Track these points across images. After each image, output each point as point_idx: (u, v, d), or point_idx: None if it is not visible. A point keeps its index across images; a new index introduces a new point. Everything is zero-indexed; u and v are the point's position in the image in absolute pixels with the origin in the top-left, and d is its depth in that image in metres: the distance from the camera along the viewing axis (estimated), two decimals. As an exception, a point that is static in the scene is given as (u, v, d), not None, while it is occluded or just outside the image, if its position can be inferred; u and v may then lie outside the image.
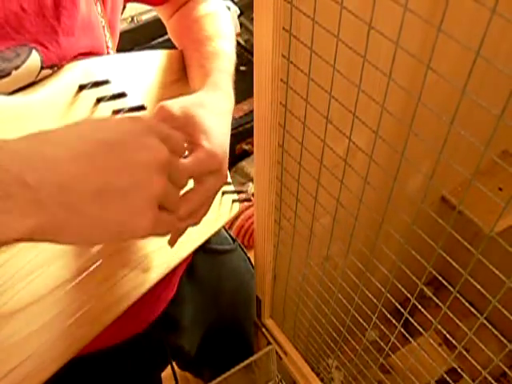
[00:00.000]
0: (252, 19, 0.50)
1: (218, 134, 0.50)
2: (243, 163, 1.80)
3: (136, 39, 1.86)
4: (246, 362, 0.76)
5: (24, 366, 0.47)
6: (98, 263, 0.52)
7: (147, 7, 1.87)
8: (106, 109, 0.53)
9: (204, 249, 0.75)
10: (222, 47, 0.62)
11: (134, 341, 0.68)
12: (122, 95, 0.54)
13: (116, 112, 0.54)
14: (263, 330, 0.79)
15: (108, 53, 0.59)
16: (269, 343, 0.78)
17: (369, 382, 0.70)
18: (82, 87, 0.50)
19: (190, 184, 0.48)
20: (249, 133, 1.62)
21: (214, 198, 0.52)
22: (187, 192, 0.48)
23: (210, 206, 0.51)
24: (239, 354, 0.89)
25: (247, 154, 1.86)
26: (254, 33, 0.45)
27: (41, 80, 0.49)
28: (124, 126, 0.38)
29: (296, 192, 0.57)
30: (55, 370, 0.49)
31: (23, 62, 0.46)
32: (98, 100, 0.52)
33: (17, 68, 0.46)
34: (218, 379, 0.73)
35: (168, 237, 0.53)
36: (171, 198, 0.40)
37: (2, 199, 0.30)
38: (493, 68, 0.28)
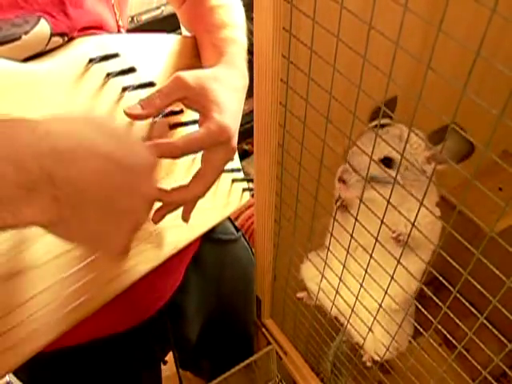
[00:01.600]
0: (252, 19, 0.49)
1: (229, 109, 0.51)
2: (243, 163, 1.80)
3: (136, 39, 1.85)
4: (246, 361, 0.76)
5: (25, 326, 0.47)
6: None
7: (147, 7, 1.87)
8: (116, 84, 0.53)
9: (209, 238, 0.76)
10: (236, 35, 0.62)
11: (138, 328, 0.69)
12: (131, 70, 0.54)
13: (125, 89, 0.54)
14: (263, 329, 0.79)
15: (119, 31, 0.59)
16: (269, 343, 0.78)
17: (369, 382, 0.70)
18: (91, 60, 0.51)
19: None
20: (249, 133, 1.62)
21: (221, 172, 0.53)
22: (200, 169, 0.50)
23: (217, 178, 0.53)
24: (239, 343, 0.89)
25: (247, 153, 1.86)
26: (254, 33, 0.45)
27: (51, 50, 0.50)
28: (143, 154, 0.43)
29: (296, 192, 0.57)
30: (54, 336, 0.50)
31: (32, 28, 0.47)
32: (108, 74, 0.52)
33: (26, 33, 0.46)
34: (218, 379, 0.73)
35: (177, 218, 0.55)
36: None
37: (29, 191, 0.34)
38: (493, 68, 0.28)
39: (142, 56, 0.57)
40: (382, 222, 0.45)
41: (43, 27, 0.48)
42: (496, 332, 0.43)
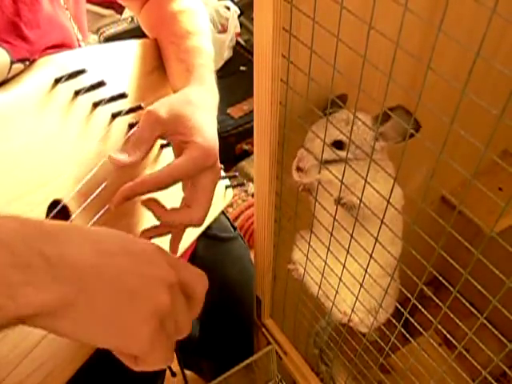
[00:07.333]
0: (252, 19, 0.49)
1: (208, 130, 0.50)
2: (243, 163, 1.80)
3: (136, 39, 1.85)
4: (246, 361, 0.76)
5: (40, 370, 0.47)
6: None
7: (147, 7, 1.86)
8: (86, 101, 0.52)
9: (206, 235, 0.75)
10: (202, 44, 0.60)
11: None
12: (100, 84, 0.52)
13: (96, 104, 0.52)
14: (263, 329, 0.79)
15: (79, 45, 0.58)
16: (269, 343, 0.78)
17: (369, 382, 0.70)
18: (57, 80, 0.49)
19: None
20: (249, 133, 1.62)
21: (213, 192, 0.52)
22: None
23: (211, 200, 0.51)
24: (240, 342, 0.88)
25: (247, 153, 1.85)
26: (254, 33, 0.45)
27: (14, 77, 0.48)
28: (142, 242, 0.40)
29: (296, 192, 0.57)
30: (74, 370, 0.50)
31: None
32: (76, 92, 0.51)
33: None
34: (218, 379, 0.73)
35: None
36: (173, 322, 0.39)
37: (22, 269, 0.31)
38: (493, 68, 0.28)
39: (109, 67, 0.56)
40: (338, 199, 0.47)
41: (1, 56, 0.46)
42: (496, 332, 0.43)
